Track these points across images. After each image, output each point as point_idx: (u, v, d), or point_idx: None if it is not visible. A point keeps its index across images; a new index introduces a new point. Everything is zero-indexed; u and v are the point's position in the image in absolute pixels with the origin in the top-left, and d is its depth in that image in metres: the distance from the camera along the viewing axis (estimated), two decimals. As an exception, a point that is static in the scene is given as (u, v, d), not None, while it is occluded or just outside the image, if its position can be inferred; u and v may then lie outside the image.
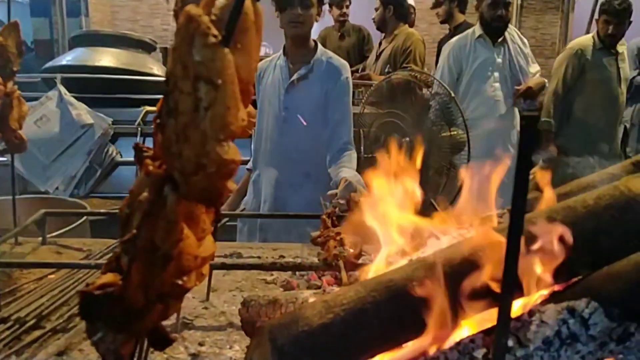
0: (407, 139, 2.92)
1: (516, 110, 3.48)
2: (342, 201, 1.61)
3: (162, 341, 0.58)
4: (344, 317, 0.74)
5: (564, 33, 5.06)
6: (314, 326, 0.73)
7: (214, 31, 0.46)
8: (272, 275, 1.44)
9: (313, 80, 2.09)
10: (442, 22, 4.37)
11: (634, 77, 4.36)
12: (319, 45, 2.15)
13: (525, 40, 3.55)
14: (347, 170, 1.93)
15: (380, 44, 4.15)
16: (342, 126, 2.09)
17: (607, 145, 3.59)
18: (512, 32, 3.47)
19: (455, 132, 3.10)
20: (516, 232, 0.55)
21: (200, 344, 1.10)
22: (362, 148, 3.26)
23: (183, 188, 0.48)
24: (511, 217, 0.55)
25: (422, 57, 3.98)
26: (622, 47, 3.65)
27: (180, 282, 0.51)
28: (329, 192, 1.74)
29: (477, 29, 3.43)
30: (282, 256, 1.61)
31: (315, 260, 1.31)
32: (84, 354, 1.05)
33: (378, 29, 4.10)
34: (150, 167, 0.48)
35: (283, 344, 0.73)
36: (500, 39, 3.39)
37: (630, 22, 3.70)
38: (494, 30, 3.35)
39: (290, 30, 2.05)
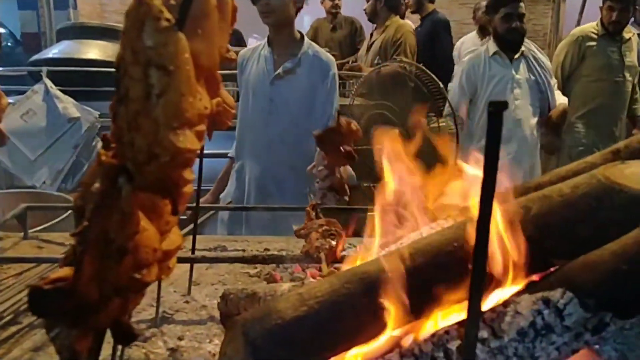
0: (396, 131, 2.92)
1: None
2: (320, 167, 1.61)
3: (126, 335, 0.57)
4: (318, 310, 0.73)
5: (555, 23, 5.05)
6: (287, 319, 0.72)
7: (167, 15, 0.44)
8: (255, 268, 1.42)
9: (300, 74, 2.07)
10: (412, 12, 4.36)
11: None
12: (306, 38, 2.13)
13: (544, 53, 3.29)
14: None
15: (371, 35, 4.13)
16: (329, 123, 2.09)
17: (610, 132, 3.54)
18: (529, 45, 3.17)
19: (444, 124, 3.09)
20: (484, 222, 0.54)
21: (180, 339, 1.09)
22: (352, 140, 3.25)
23: (137, 179, 0.46)
24: (480, 206, 0.53)
25: (413, 48, 3.96)
26: (629, 34, 3.54)
27: (138, 275, 0.50)
28: (308, 168, 1.73)
29: (491, 46, 3.14)
30: (267, 249, 1.59)
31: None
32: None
33: (369, 20, 4.08)
34: (103, 157, 0.46)
35: (256, 337, 0.71)
36: (517, 54, 3.09)
37: (636, 9, 3.63)
38: (510, 45, 3.06)
39: (264, 21, 2.04)
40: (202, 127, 1.05)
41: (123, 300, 0.52)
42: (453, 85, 3.28)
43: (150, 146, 0.43)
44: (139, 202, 0.50)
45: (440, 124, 3.02)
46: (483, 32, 4.74)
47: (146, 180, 0.45)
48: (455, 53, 4.95)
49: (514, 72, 3.07)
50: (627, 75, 3.52)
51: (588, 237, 0.70)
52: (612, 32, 3.45)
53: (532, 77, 3.08)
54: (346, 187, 1.80)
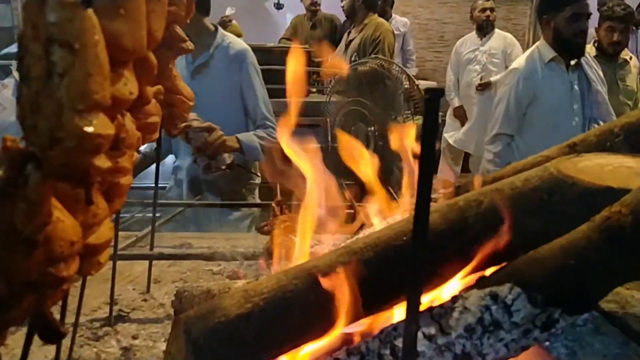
0: (372, 128, 2.90)
1: None
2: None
3: (51, 334, 0.53)
4: (263, 307, 0.70)
5: (534, 23, 5.08)
6: (232, 316, 0.70)
7: (74, -10, 0.41)
8: (219, 265, 1.39)
9: (216, 67, 2.10)
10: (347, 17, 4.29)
11: None
12: (219, 29, 2.13)
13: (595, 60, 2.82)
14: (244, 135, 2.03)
15: (349, 33, 4.11)
16: (258, 107, 2.15)
17: None
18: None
19: (420, 122, 3.08)
20: (423, 214, 0.52)
21: (134, 337, 1.05)
22: (329, 137, 3.23)
23: (46, 165, 0.43)
24: (417, 197, 0.51)
25: (392, 47, 3.95)
26: (626, 56, 3.33)
27: (52, 270, 0.47)
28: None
29: (545, 50, 2.59)
30: (234, 246, 1.56)
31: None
32: (9, 349, 1.00)
33: (347, 17, 4.07)
34: (8, 142, 0.43)
35: (198, 335, 0.69)
36: (575, 61, 2.59)
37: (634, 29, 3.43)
38: (572, 50, 2.55)
39: None
40: (155, 118, 1.01)
41: (38, 295, 0.48)
42: (503, 97, 2.69)
43: (53, 129, 0.40)
44: (55, 191, 0.47)
45: (417, 122, 3.01)
46: (481, 31, 4.70)
47: (52, 166, 0.42)
48: (453, 58, 4.89)
49: (572, 83, 2.59)
50: (623, 98, 3.27)
51: (538, 231, 0.68)
52: (611, 54, 3.24)
53: (590, 90, 2.61)
54: (226, 156, 1.82)
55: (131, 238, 1.54)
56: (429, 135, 0.50)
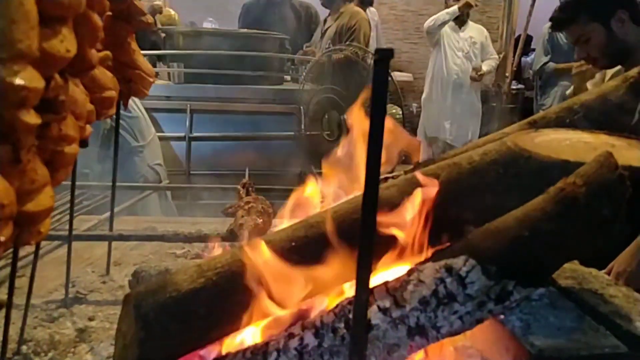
0: (345, 116, 2.89)
1: None
2: None
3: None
4: (216, 281, 0.68)
5: (507, 16, 5.12)
6: (183, 291, 0.68)
7: None
8: (183, 248, 1.37)
9: None
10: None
11: (545, 64, 4.17)
12: None
13: None
14: None
15: (325, 21, 4.08)
16: None
17: None
18: None
19: (394, 111, 3.09)
20: (372, 181, 0.51)
21: (90, 319, 1.02)
22: (302, 125, 3.21)
23: (-32, 120, 0.40)
24: (367, 161, 0.50)
25: (367, 36, 3.93)
26: None
27: (-20, 233, 0.44)
28: None
29: None
30: (200, 230, 1.53)
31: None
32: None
33: (323, 5, 4.03)
34: None
35: (147, 311, 0.67)
36: None
37: None
38: None
39: None
40: (111, 93, 0.98)
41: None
42: None
43: (-27, 79, 0.38)
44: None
45: (390, 111, 3.01)
46: (458, 19, 4.54)
47: (-26, 120, 0.39)
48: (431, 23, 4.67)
49: None
50: None
51: (494, 205, 0.68)
52: None
53: None
54: None
55: (93, 221, 1.51)
56: (379, 99, 0.49)
